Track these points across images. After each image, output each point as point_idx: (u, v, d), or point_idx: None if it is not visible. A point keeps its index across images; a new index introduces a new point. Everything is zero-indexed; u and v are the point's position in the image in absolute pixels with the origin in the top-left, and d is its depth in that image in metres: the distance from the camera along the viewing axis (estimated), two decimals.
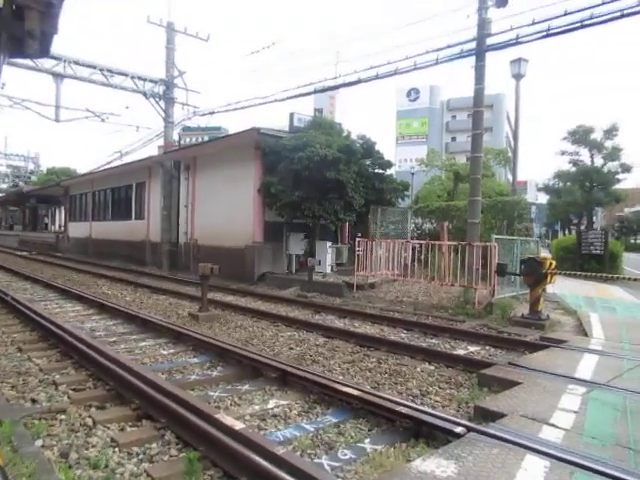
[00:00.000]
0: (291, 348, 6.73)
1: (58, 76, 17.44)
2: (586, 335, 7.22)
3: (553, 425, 3.57)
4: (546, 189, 37.06)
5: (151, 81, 19.12)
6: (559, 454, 3.04)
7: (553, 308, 9.84)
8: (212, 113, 18.75)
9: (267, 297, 11.61)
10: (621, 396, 4.25)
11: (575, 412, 3.84)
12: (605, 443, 3.30)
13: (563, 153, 32.09)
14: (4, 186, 45.36)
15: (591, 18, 8.48)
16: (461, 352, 6.61)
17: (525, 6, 9.55)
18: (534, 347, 6.42)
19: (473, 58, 10.44)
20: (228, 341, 6.61)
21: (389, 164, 15.86)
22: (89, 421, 3.98)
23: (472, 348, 6.89)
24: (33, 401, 4.45)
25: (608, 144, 30.80)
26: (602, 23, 8.46)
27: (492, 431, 3.41)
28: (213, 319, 8.60)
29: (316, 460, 3.45)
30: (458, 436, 3.46)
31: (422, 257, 11.33)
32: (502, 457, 3.02)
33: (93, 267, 18.89)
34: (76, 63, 17.51)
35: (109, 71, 18.24)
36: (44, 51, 3.33)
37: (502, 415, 3.77)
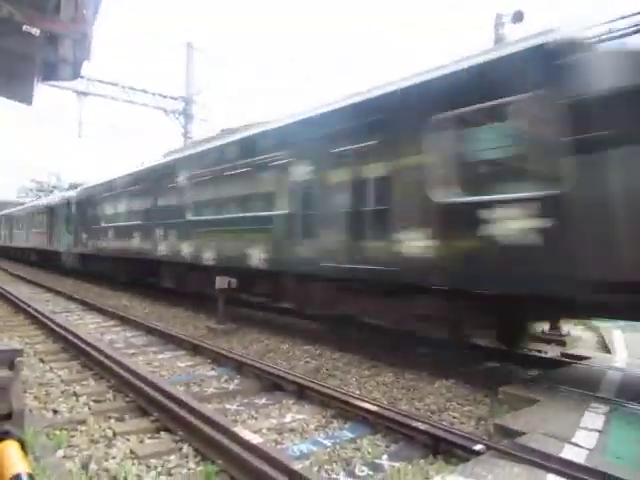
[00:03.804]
0: (308, 362, 6.73)
1: (82, 94, 18.01)
2: (609, 352, 7.06)
3: (575, 444, 3.48)
4: None
5: (171, 98, 19.60)
6: (582, 475, 2.97)
7: (574, 324, 9.64)
8: (230, 129, 19.03)
9: (283, 310, 11.61)
10: None
11: (598, 431, 3.74)
12: (630, 464, 3.21)
13: None
14: (27, 199, 46.72)
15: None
16: (479, 368, 6.52)
17: (542, 22, 9.57)
18: (555, 364, 6.29)
19: None
20: (245, 354, 6.64)
21: None
22: (109, 432, 4.03)
23: (491, 364, 6.78)
24: (55, 412, 4.53)
25: None
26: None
27: (512, 450, 3.35)
28: (230, 332, 8.65)
29: (333, 476, 3.44)
30: (477, 454, 3.41)
31: None
32: (523, 477, 2.97)
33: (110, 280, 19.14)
34: (99, 81, 18.08)
35: (131, 89, 18.77)
36: (75, 75, 3.49)
37: (522, 433, 3.69)
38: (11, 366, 1.74)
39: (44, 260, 25.00)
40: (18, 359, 1.79)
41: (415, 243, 5.71)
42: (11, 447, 1.54)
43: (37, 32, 2.78)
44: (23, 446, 1.62)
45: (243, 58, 56.58)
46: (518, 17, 9.57)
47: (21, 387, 1.81)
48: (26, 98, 4.27)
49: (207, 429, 3.74)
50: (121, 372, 5.32)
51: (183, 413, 4.08)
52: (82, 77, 17.55)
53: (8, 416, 1.66)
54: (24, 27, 2.74)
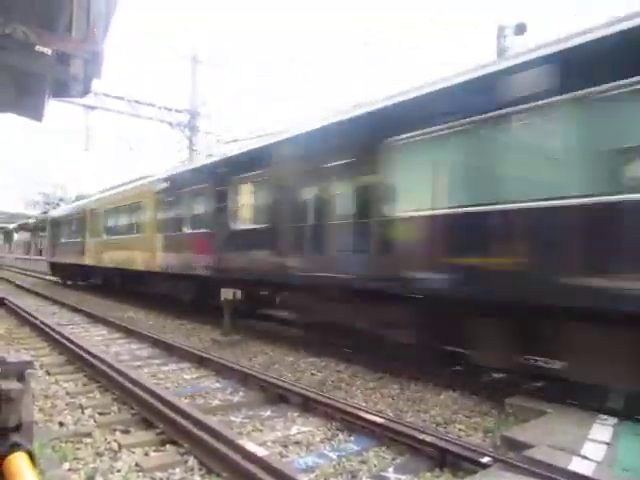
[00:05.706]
0: (313, 374, 6.71)
1: (89, 107, 18.25)
2: None
3: (583, 456, 3.46)
4: None
5: (176, 111, 19.82)
6: None
7: None
8: (235, 141, 19.19)
9: (288, 321, 11.58)
10: None
11: (607, 443, 3.72)
12: (638, 476, 3.18)
13: None
14: (36, 212, 47.08)
15: None
16: (485, 379, 6.48)
17: (544, 33, 9.66)
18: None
19: None
20: (250, 366, 6.63)
21: None
22: (114, 445, 4.03)
23: (497, 375, 6.73)
24: (60, 424, 4.53)
25: None
26: None
27: (519, 462, 3.33)
28: (235, 344, 8.64)
29: None
30: (484, 466, 3.39)
31: None
32: None
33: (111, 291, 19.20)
34: (106, 95, 18.32)
35: (137, 102, 18.99)
36: (85, 92, 3.55)
37: (530, 445, 3.67)
38: (21, 378, 1.76)
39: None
40: (28, 371, 1.81)
41: None
42: (21, 459, 1.56)
43: (49, 51, 2.84)
44: (32, 458, 1.63)
45: (243, 58, 57.18)
46: (521, 29, 9.66)
47: (31, 399, 1.82)
48: (36, 115, 4.35)
49: (212, 441, 3.74)
50: (126, 384, 5.32)
51: (188, 425, 4.07)
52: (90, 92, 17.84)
53: (17, 428, 1.68)
54: (37, 47, 2.80)
